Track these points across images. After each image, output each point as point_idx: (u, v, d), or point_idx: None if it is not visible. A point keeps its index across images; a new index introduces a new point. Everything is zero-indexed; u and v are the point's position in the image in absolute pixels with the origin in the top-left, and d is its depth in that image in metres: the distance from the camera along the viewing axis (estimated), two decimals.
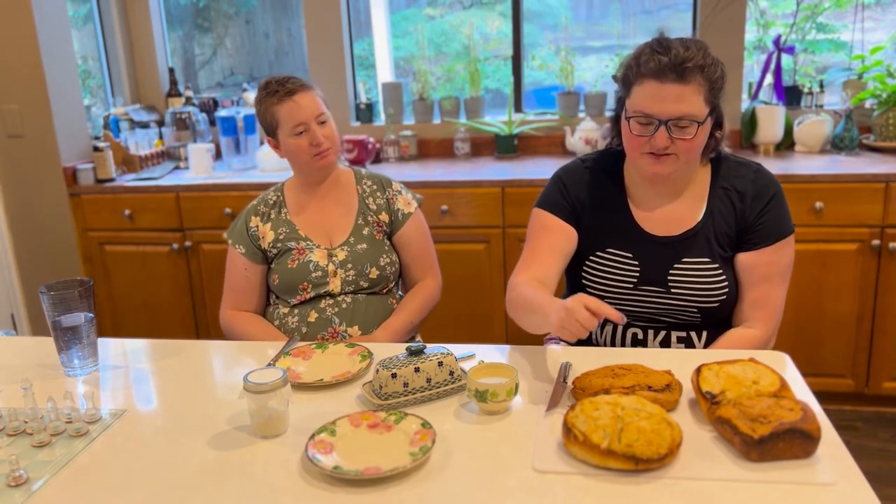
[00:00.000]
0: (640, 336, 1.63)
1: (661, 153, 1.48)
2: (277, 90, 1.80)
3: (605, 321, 1.63)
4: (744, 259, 1.58)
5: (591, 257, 1.63)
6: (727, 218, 1.58)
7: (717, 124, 1.55)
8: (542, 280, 1.58)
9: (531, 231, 1.67)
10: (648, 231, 1.60)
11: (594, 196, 1.64)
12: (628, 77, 1.50)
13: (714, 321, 1.60)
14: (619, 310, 1.48)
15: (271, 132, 1.85)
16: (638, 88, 1.47)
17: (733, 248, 1.59)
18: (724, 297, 1.56)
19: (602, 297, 1.57)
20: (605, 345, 1.67)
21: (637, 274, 1.59)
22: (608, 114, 2.04)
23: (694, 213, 1.59)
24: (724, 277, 1.56)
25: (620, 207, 1.63)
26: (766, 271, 1.56)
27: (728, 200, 1.58)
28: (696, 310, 1.57)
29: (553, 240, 1.62)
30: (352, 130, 3.48)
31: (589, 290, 1.63)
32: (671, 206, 1.60)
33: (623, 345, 1.65)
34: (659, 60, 1.42)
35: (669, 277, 1.57)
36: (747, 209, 1.57)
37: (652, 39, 1.49)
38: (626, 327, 1.63)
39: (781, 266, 1.58)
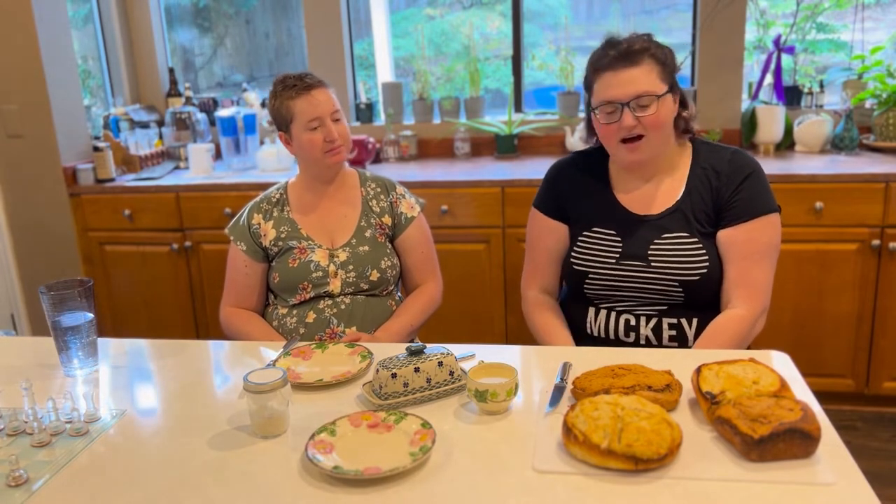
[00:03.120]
0: (633, 322, 1.67)
1: (631, 137, 1.59)
2: (295, 84, 1.81)
3: (599, 308, 1.72)
4: (723, 236, 1.63)
5: (579, 238, 1.72)
6: (704, 196, 1.65)
7: (682, 105, 1.66)
8: (548, 290, 1.83)
9: (529, 233, 1.84)
10: (630, 210, 1.69)
11: (580, 184, 1.76)
12: (588, 79, 1.65)
13: (699, 302, 1.64)
14: (604, 284, 1.67)
15: (284, 127, 1.85)
16: (597, 84, 1.61)
17: (713, 225, 1.65)
18: (704, 270, 1.61)
19: (587, 273, 1.69)
20: (599, 334, 1.71)
21: (619, 249, 1.66)
22: None
23: (674, 192, 1.67)
24: (703, 251, 1.62)
25: (603, 191, 1.73)
26: (746, 248, 1.61)
27: (706, 179, 1.66)
28: (676, 283, 1.62)
29: (549, 245, 1.79)
30: (352, 130, 3.47)
31: (575, 265, 1.71)
32: (652, 187, 1.69)
33: (616, 332, 1.68)
34: (609, 55, 1.59)
35: (650, 252, 1.63)
36: (723, 186, 1.64)
37: (600, 44, 1.64)
38: (618, 314, 1.68)
39: (761, 244, 1.61)
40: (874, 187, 2.58)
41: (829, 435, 1.14)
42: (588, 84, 1.65)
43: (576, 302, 1.76)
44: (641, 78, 1.56)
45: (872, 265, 2.63)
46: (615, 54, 1.57)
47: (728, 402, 1.16)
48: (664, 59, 1.59)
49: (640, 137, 1.59)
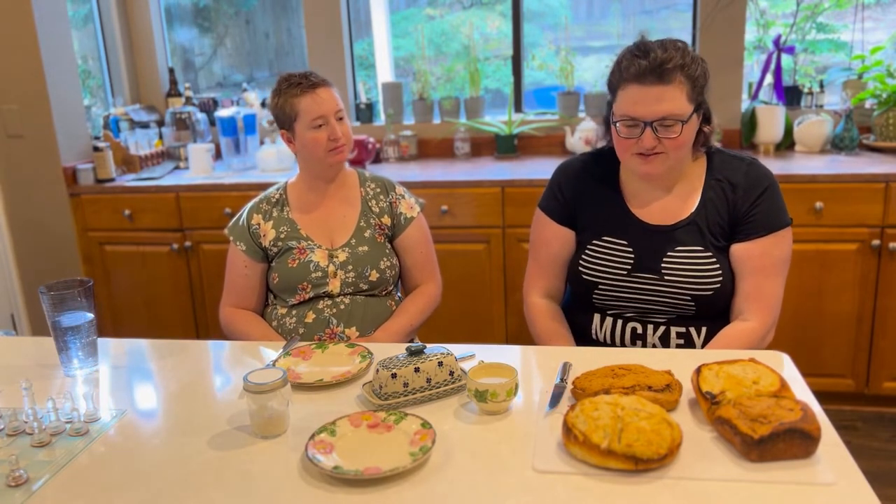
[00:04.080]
0: (640, 331, 1.64)
1: (649, 153, 1.53)
2: (300, 82, 1.81)
3: (605, 315, 1.68)
4: (737, 250, 1.60)
5: (588, 246, 1.67)
6: (720, 209, 1.61)
7: (706, 120, 1.60)
8: (552, 294, 1.78)
9: (533, 236, 1.80)
10: (643, 220, 1.64)
11: (590, 189, 1.70)
12: (613, 83, 1.56)
13: (710, 313, 1.62)
14: (613, 295, 1.63)
15: (288, 125, 1.85)
16: (622, 93, 1.53)
17: (727, 239, 1.61)
18: (718, 285, 1.58)
19: (597, 284, 1.64)
20: (604, 340, 1.69)
21: (631, 261, 1.62)
22: None
23: (688, 203, 1.63)
24: (717, 266, 1.58)
25: (615, 199, 1.68)
26: (760, 263, 1.58)
27: (721, 192, 1.61)
28: (689, 298, 1.59)
29: (555, 250, 1.74)
30: (352, 130, 3.47)
31: (585, 276, 1.67)
32: (666, 197, 1.64)
33: (622, 340, 1.66)
34: (639, 64, 1.48)
35: (663, 265, 1.60)
36: (739, 200, 1.60)
37: (632, 44, 1.54)
38: (625, 322, 1.65)
39: (775, 258, 1.59)
40: (874, 187, 2.58)
41: (829, 435, 1.14)
42: (612, 86, 1.57)
43: (581, 308, 1.73)
44: (670, 98, 1.48)
45: (872, 265, 2.63)
46: (646, 65, 1.47)
47: (728, 402, 1.16)
48: (696, 76, 1.50)
49: (658, 153, 1.53)
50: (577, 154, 1.81)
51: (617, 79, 1.54)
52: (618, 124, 1.54)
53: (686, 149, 1.56)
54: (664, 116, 1.49)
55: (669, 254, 1.60)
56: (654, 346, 1.64)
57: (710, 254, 1.59)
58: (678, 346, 1.63)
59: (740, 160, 1.64)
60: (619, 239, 1.64)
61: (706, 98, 1.57)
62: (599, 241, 1.66)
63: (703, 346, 1.62)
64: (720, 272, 1.58)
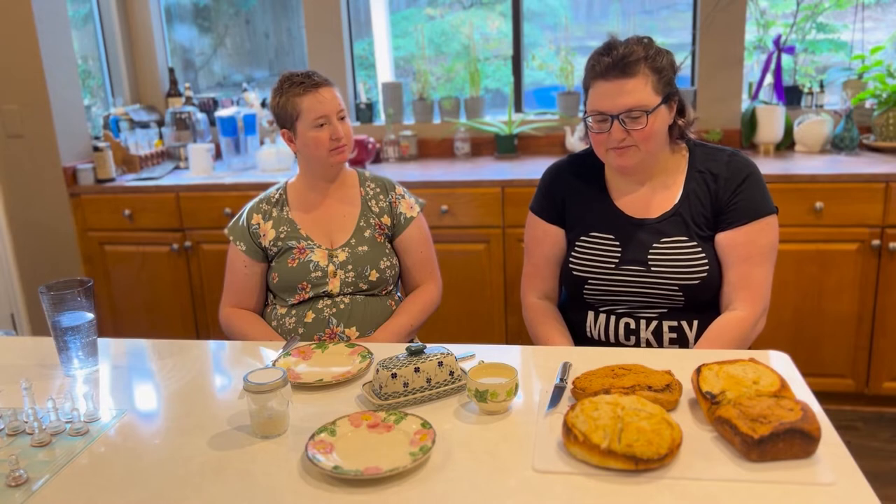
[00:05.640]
0: (633, 326, 1.66)
1: (621, 147, 1.58)
2: (303, 82, 1.81)
3: (598, 311, 1.70)
4: (722, 239, 1.62)
5: (577, 243, 1.71)
6: (703, 199, 1.64)
7: (680, 111, 1.64)
8: (548, 294, 1.81)
9: (527, 238, 1.83)
10: (628, 214, 1.68)
11: (576, 188, 1.75)
12: (584, 83, 1.63)
13: (700, 305, 1.64)
14: (603, 289, 1.67)
15: (289, 124, 1.85)
16: (591, 91, 1.59)
17: (711, 229, 1.64)
18: (705, 274, 1.60)
19: (587, 278, 1.68)
20: (599, 338, 1.70)
21: (619, 254, 1.65)
22: None
23: (671, 196, 1.66)
24: (703, 255, 1.61)
25: (601, 196, 1.72)
26: (746, 251, 1.60)
27: (703, 182, 1.65)
28: (677, 288, 1.61)
29: (547, 250, 1.78)
30: (352, 130, 3.48)
31: (574, 272, 1.70)
32: (649, 191, 1.68)
33: (616, 336, 1.68)
34: (603, 62, 1.55)
35: (650, 256, 1.63)
36: (721, 190, 1.63)
37: (602, 43, 1.60)
38: (617, 317, 1.67)
39: (761, 246, 1.61)
40: (874, 187, 2.58)
41: (829, 435, 1.14)
42: (585, 87, 1.63)
43: (575, 306, 1.75)
44: (633, 91, 1.53)
45: (872, 265, 2.63)
46: (609, 62, 1.53)
47: (728, 402, 1.16)
48: (661, 68, 1.55)
49: (629, 146, 1.58)
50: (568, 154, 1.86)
51: (588, 78, 1.61)
52: (589, 120, 1.60)
53: (657, 140, 1.59)
54: (629, 108, 1.54)
55: (655, 245, 1.63)
56: (647, 341, 1.66)
57: (695, 243, 1.61)
58: (671, 340, 1.65)
59: (721, 152, 1.68)
60: (606, 234, 1.68)
61: (677, 90, 1.61)
62: (587, 236, 1.70)
63: (695, 340, 1.64)
64: (706, 261, 1.61)
